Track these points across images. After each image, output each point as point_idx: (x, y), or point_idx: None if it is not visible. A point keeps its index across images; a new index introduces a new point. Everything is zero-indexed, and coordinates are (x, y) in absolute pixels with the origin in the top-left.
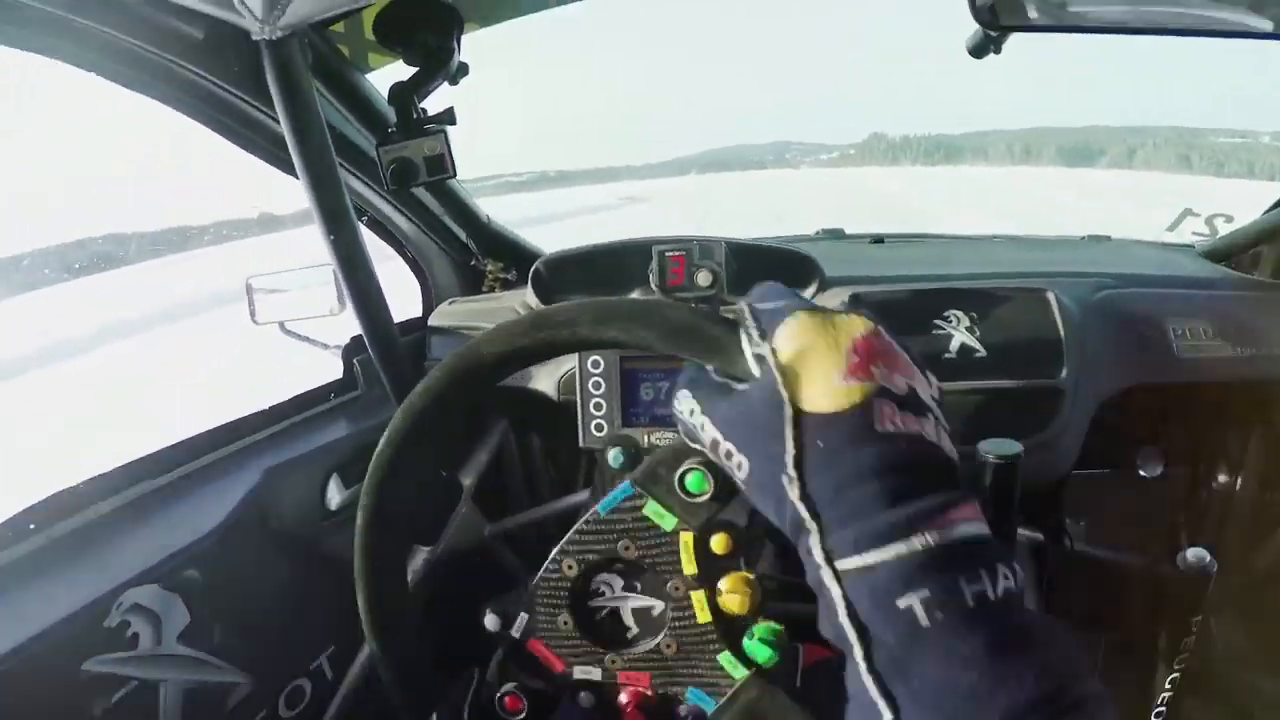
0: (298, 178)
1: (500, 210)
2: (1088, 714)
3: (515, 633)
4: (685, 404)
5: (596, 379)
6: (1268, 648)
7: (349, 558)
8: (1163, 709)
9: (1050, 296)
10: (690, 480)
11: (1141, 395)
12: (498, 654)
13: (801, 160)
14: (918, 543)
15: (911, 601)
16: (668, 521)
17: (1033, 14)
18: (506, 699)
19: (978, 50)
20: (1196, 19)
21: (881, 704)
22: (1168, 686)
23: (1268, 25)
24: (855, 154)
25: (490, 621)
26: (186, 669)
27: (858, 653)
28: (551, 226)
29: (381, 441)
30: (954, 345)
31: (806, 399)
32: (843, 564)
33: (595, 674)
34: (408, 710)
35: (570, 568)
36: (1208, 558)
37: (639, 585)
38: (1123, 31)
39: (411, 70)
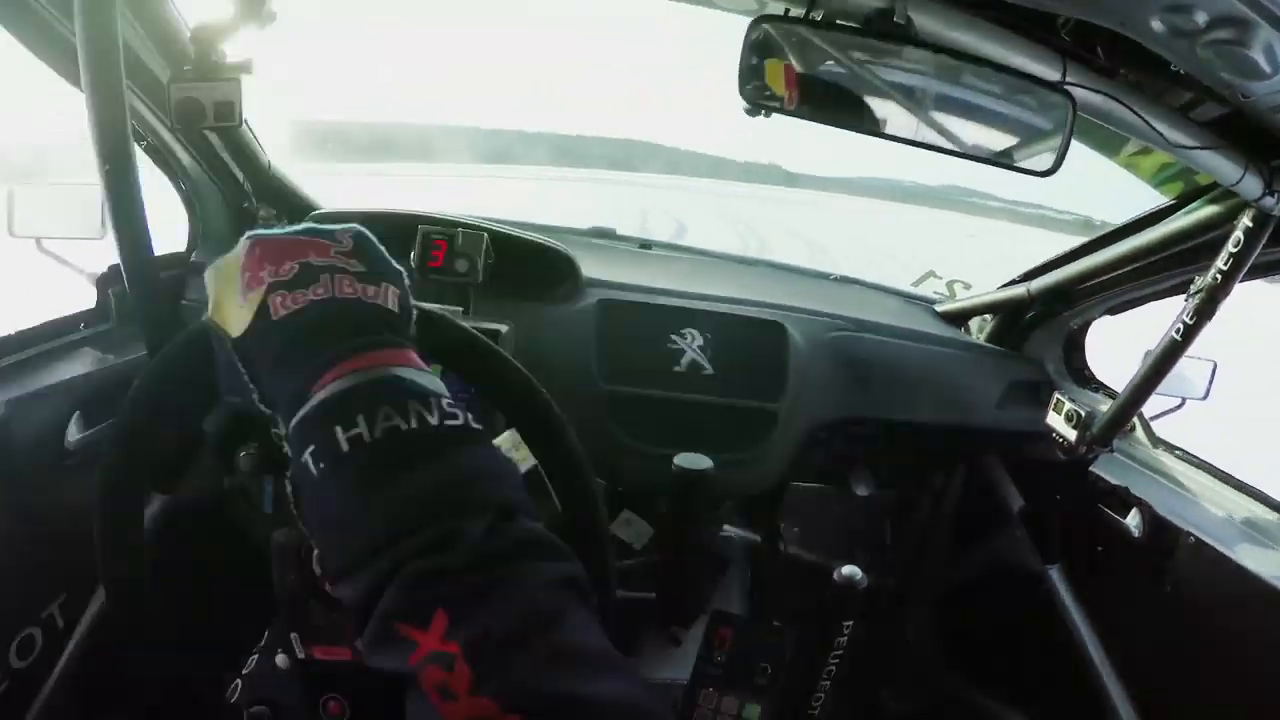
0: (80, 89)
1: None
2: (433, 559)
3: (300, 653)
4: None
5: None
6: (952, 650)
7: (84, 501)
8: (820, 695)
9: (785, 330)
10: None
11: (856, 426)
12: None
13: None
14: (314, 399)
15: (306, 457)
16: None
17: (788, 106)
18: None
19: (751, 111)
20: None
21: None
22: (824, 676)
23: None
24: None
25: (280, 661)
26: None
27: (291, 506)
28: None
29: (140, 385)
30: (684, 360)
31: (231, 329)
32: (287, 434)
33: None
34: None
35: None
36: (858, 574)
37: None
38: (874, 135)
39: (220, 9)
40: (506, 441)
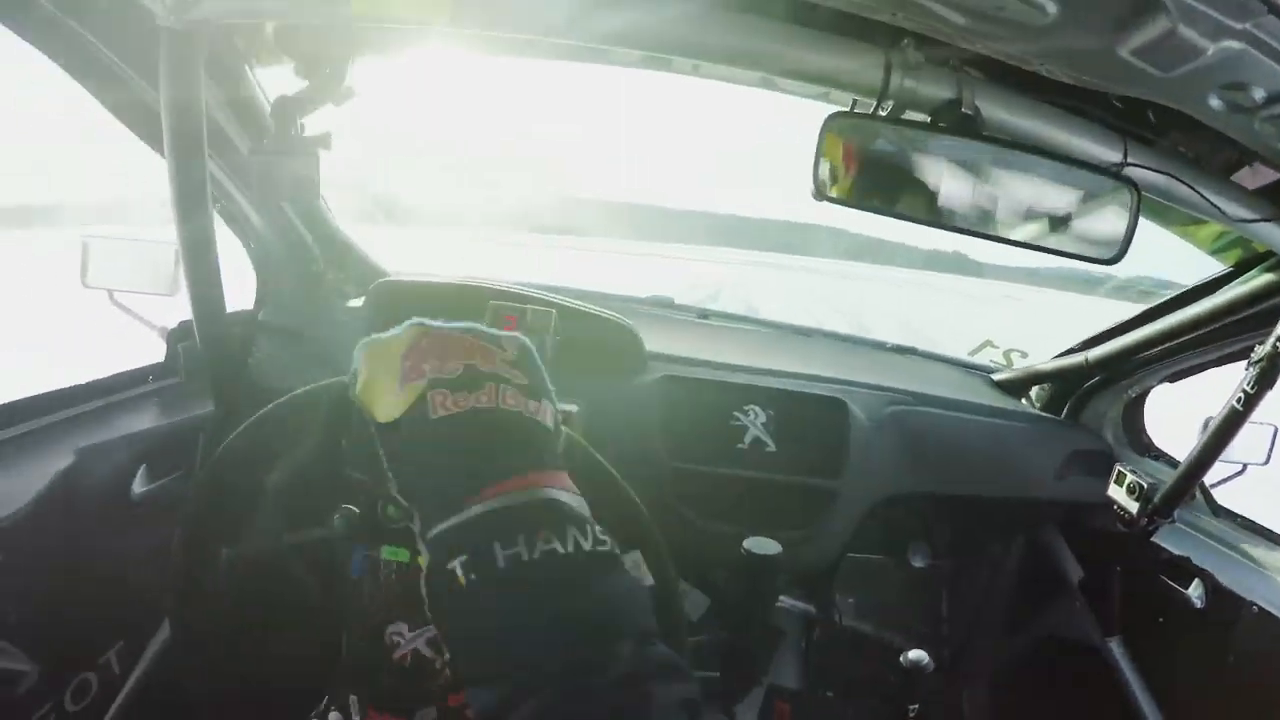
0: (163, 156)
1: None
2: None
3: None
4: None
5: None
6: None
7: (146, 550)
8: None
9: (846, 407)
10: (389, 511)
11: (915, 499)
12: None
13: None
14: (472, 511)
15: (455, 564)
16: (403, 555)
17: (854, 199)
18: None
19: (818, 197)
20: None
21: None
22: None
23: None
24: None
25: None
26: None
27: (427, 606)
28: None
29: (235, 441)
30: (748, 438)
31: (379, 413)
32: (430, 534)
33: (432, 714)
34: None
35: (360, 635)
36: (925, 659)
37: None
38: (937, 226)
39: (300, 83)
40: (628, 561)
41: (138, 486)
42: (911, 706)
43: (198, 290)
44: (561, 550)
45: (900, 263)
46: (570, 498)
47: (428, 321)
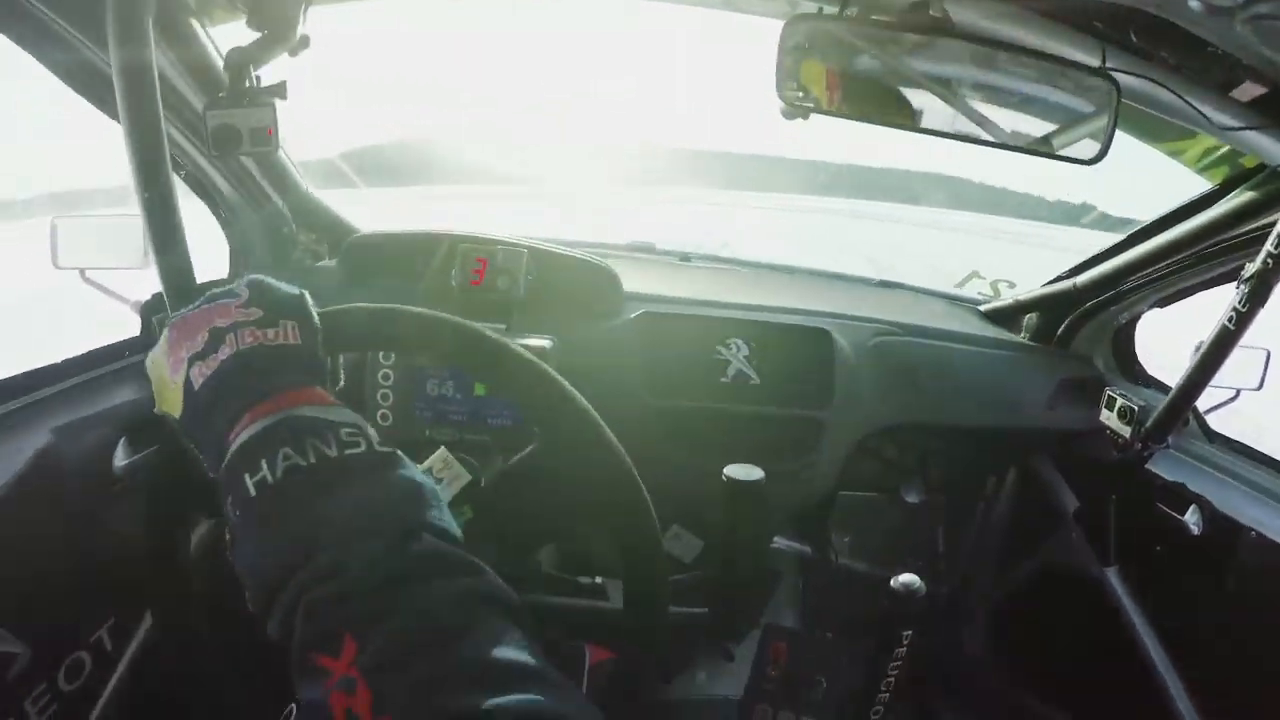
0: (118, 121)
1: None
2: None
3: None
4: None
5: (386, 370)
6: (1008, 659)
7: (131, 525)
8: (879, 708)
9: (831, 336)
10: None
11: (905, 432)
12: None
13: None
14: (229, 452)
15: (227, 507)
16: None
17: (827, 106)
18: None
19: (788, 114)
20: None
21: None
22: (883, 689)
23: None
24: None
25: None
26: None
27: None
28: None
29: None
30: (730, 371)
31: (174, 411)
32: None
33: None
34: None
35: None
36: (916, 582)
37: None
38: (911, 130)
39: (254, 35)
40: (437, 462)
41: (119, 460)
42: (905, 633)
43: (165, 260)
44: (302, 463)
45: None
46: (316, 409)
47: (177, 314)
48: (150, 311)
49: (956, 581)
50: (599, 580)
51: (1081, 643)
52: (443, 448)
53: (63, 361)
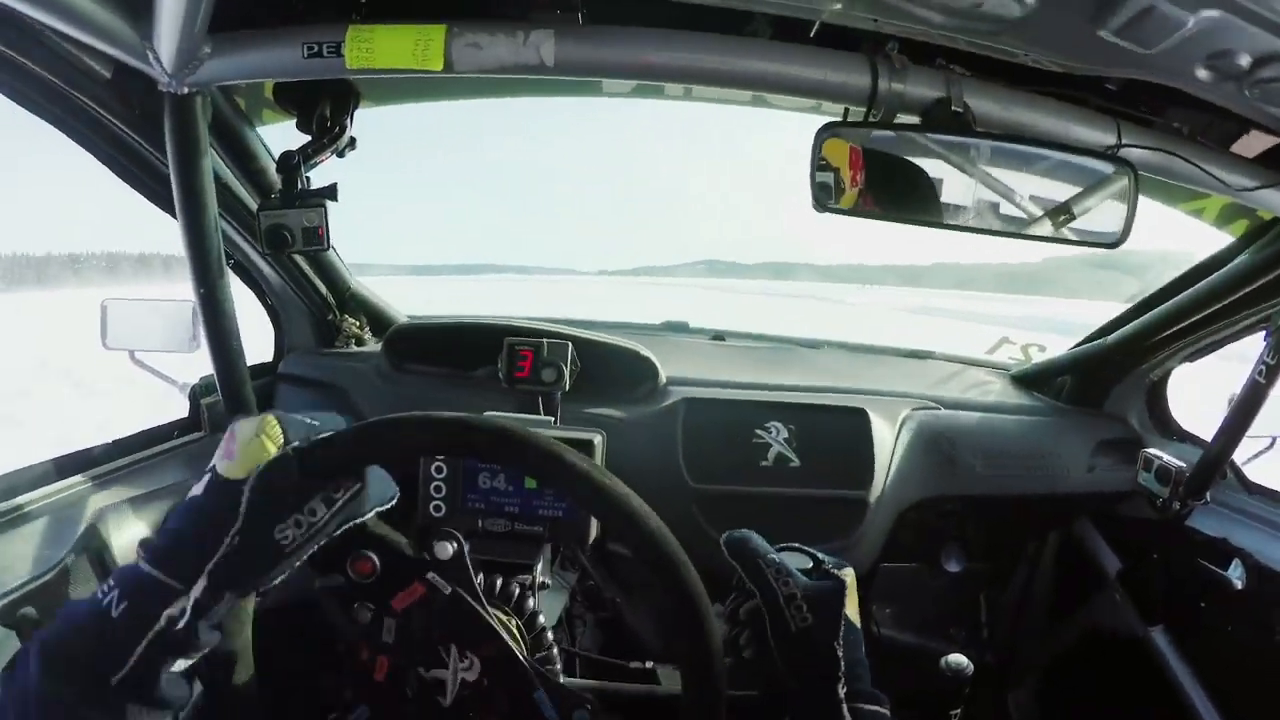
0: (175, 218)
1: None
2: None
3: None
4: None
5: (439, 463)
6: None
7: None
8: None
9: (868, 416)
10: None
11: (945, 503)
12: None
13: None
14: None
15: None
16: None
17: (857, 207)
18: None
19: (818, 208)
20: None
21: None
22: None
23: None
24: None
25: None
26: None
27: None
28: None
29: None
30: (771, 454)
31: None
32: None
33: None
34: None
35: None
36: (965, 663)
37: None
38: (939, 227)
39: (302, 138)
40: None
41: None
42: (954, 712)
43: (217, 346)
44: None
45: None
46: None
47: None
48: (198, 395)
49: (1001, 649)
50: (650, 665)
51: (1130, 705)
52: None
53: (113, 441)
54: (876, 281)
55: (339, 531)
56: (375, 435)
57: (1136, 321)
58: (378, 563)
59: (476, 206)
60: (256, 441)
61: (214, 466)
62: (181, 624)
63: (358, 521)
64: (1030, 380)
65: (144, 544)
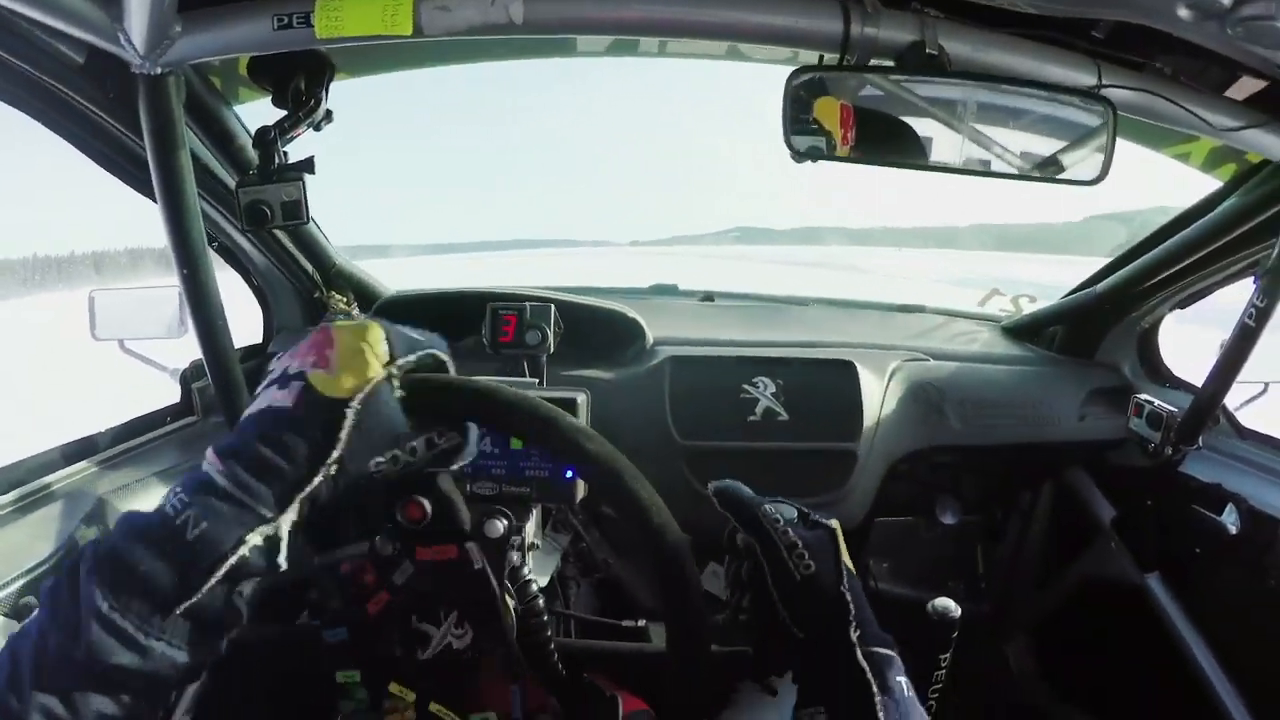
0: (155, 201)
1: None
2: None
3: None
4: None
5: None
6: (1056, 675)
7: None
8: None
9: (856, 369)
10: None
11: (937, 454)
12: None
13: None
14: None
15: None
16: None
17: (837, 152)
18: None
19: (796, 158)
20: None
21: None
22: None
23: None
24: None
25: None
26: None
27: None
28: None
29: None
30: (759, 409)
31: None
32: None
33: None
34: None
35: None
36: (952, 605)
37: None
38: (918, 169)
39: (278, 112)
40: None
41: None
42: (942, 656)
43: (204, 330)
44: None
45: None
46: None
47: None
48: (189, 379)
49: (998, 599)
50: (642, 623)
51: (1128, 653)
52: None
53: (107, 430)
54: (911, 245)
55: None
56: (496, 402)
57: (1126, 269)
58: (429, 512)
59: (506, 181)
60: (361, 355)
61: (302, 373)
62: (263, 557)
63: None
64: (1021, 331)
65: (222, 454)
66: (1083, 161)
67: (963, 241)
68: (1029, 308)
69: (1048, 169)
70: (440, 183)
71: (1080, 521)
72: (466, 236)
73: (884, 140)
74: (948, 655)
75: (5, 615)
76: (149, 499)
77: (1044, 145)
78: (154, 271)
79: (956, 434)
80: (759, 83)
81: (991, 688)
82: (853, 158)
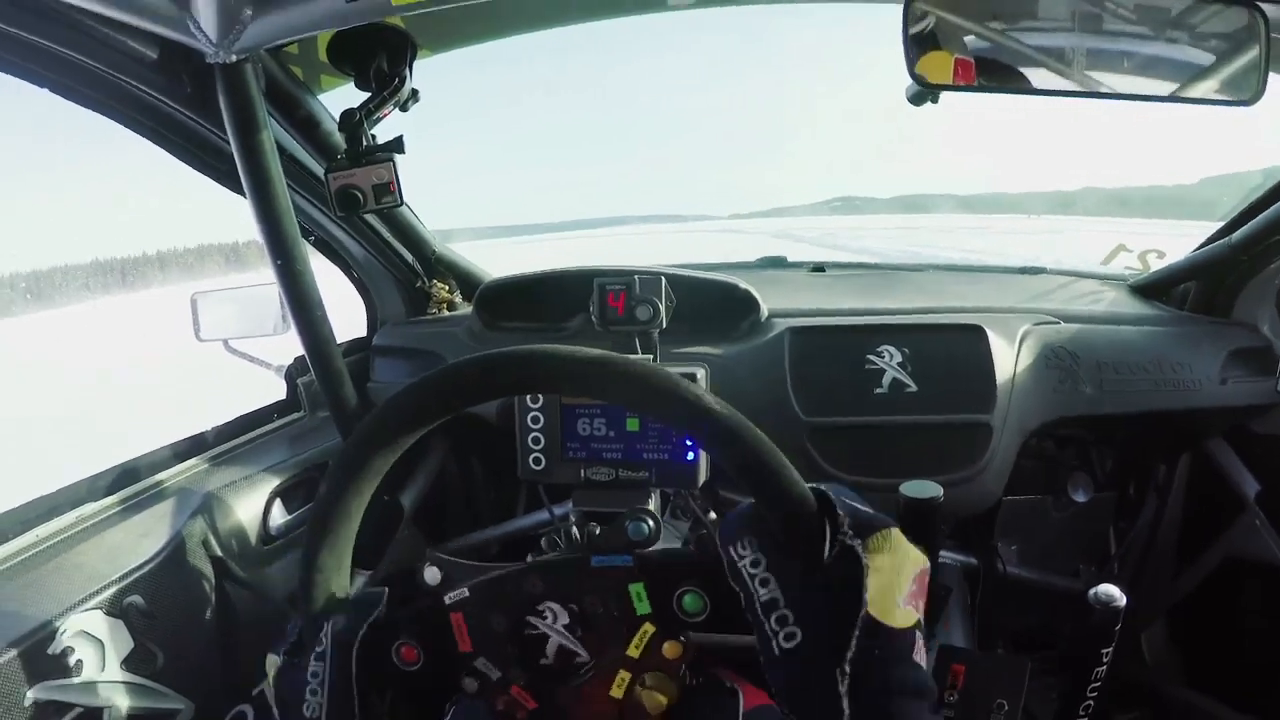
0: (245, 196)
1: None
2: None
3: (447, 599)
4: (749, 553)
5: (535, 413)
6: (1193, 663)
7: (289, 582)
8: None
9: (985, 334)
10: (687, 599)
11: (1067, 426)
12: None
13: None
14: None
15: None
16: (643, 608)
17: (964, 81)
18: (403, 649)
19: (916, 99)
20: (1108, 87)
21: None
22: (1082, 713)
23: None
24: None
25: (430, 575)
26: (129, 696)
27: None
28: None
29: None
30: (886, 380)
31: (880, 609)
32: None
33: (494, 674)
34: None
35: (534, 584)
36: (1116, 593)
37: (579, 633)
38: (1047, 94)
39: (363, 95)
40: None
41: (274, 520)
42: (1104, 650)
43: (304, 325)
44: None
45: None
46: None
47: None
48: (294, 375)
49: (1132, 582)
50: None
51: (1274, 641)
52: None
53: (214, 428)
54: (1024, 210)
55: None
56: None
57: (1261, 216)
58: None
59: (605, 156)
60: None
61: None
62: None
63: None
64: (1150, 290)
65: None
66: (1235, 79)
67: (1078, 206)
68: (1156, 264)
69: (1198, 88)
70: (518, 164)
71: (1222, 497)
72: (557, 216)
73: (1009, 67)
74: (1110, 649)
75: (109, 614)
76: (256, 496)
77: (1192, 63)
78: (223, 268)
79: (1091, 402)
80: (848, 39)
81: (1125, 677)
82: (977, 87)
